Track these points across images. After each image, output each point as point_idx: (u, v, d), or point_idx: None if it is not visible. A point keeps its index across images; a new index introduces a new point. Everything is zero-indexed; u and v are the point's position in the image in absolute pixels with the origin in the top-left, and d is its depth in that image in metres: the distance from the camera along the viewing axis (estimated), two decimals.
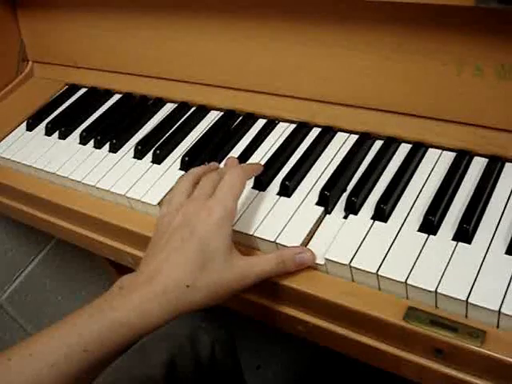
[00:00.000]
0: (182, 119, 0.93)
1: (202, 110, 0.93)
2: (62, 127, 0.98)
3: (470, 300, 0.54)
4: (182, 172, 0.81)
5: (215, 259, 0.59)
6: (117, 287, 0.60)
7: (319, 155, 0.78)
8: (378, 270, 0.59)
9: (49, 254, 1.42)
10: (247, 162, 0.80)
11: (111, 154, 0.90)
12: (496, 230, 0.60)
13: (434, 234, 0.62)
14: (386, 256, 0.61)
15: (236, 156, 0.80)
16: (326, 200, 0.69)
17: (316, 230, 0.67)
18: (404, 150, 0.74)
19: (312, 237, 0.66)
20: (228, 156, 0.82)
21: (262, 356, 1.51)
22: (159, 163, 0.85)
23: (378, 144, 0.76)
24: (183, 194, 0.66)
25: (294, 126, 0.84)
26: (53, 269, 1.43)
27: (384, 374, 0.68)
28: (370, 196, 0.69)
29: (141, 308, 0.57)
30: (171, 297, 0.58)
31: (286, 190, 0.73)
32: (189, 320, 0.94)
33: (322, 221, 0.68)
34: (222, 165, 0.75)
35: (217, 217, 0.60)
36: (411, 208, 0.66)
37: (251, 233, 0.68)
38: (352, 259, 0.61)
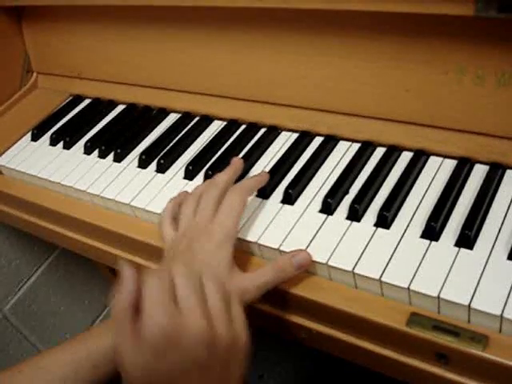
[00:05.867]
0: (186, 129, 0.94)
1: (205, 120, 0.94)
2: (66, 137, 0.99)
3: (472, 305, 0.54)
4: (186, 181, 0.82)
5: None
6: None
7: (322, 163, 0.79)
8: (380, 276, 0.60)
9: (52, 264, 1.42)
10: (251, 172, 0.81)
11: (115, 163, 0.91)
12: (497, 235, 0.61)
13: (437, 240, 0.62)
14: (388, 262, 0.61)
15: None
16: (329, 207, 0.70)
17: (319, 237, 0.67)
18: (405, 157, 0.75)
19: (315, 244, 0.66)
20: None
21: (264, 365, 1.51)
22: (163, 172, 0.86)
23: (380, 152, 0.77)
24: (189, 217, 0.67)
25: (296, 135, 0.85)
26: (56, 279, 1.44)
27: (386, 380, 0.68)
28: (373, 203, 0.70)
29: None
30: None
31: (290, 198, 0.73)
32: None
33: (325, 228, 0.68)
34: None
35: (216, 240, 0.63)
36: (413, 215, 0.66)
37: (255, 240, 0.69)
38: (355, 265, 0.62)
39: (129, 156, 0.92)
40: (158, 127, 0.97)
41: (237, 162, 0.74)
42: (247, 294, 0.62)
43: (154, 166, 0.87)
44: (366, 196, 0.70)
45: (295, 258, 0.64)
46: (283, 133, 0.87)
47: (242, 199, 0.67)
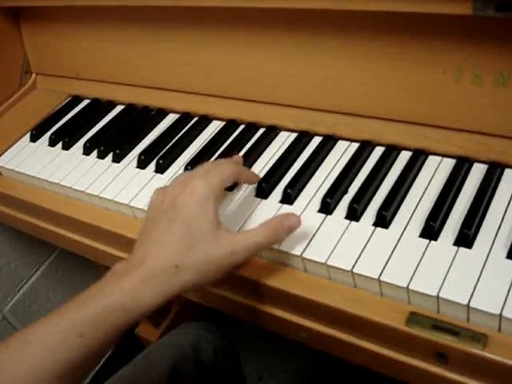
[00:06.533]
0: (185, 129, 0.93)
1: (204, 120, 0.94)
2: (65, 138, 0.99)
3: (471, 304, 0.54)
4: None
5: (202, 238, 0.60)
6: (110, 273, 0.61)
7: (321, 163, 0.79)
8: (380, 276, 0.60)
9: (51, 265, 1.42)
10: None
11: (114, 163, 0.91)
12: (496, 234, 0.61)
13: (435, 239, 0.62)
14: (387, 262, 0.61)
15: None
16: (328, 207, 0.70)
17: (318, 236, 0.67)
18: (404, 157, 0.75)
19: (314, 243, 0.66)
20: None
21: (264, 366, 1.51)
22: (162, 173, 0.86)
23: (379, 152, 0.77)
24: (176, 181, 0.66)
25: (295, 134, 0.85)
26: (56, 280, 1.44)
27: (386, 380, 0.68)
28: (372, 203, 0.70)
29: (132, 291, 0.58)
30: (161, 278, 0.59)
31: (289, 198, 0.73)
32: (192, 329, 0.95)
33: (324, 228, 0.68)
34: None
35: (199, 194, 0.61)
36: (412, 214, 0.66)
37: None
38: (354, 265, 0.62)
39: (128, 156, 0.92)
40: (157, 127, 0.97)
41: (237, 156, 0.75)
42: (235, 254, 0.61)
43: (152, 166, 0.87)
44: (364, 195, 0.70)
45: (287, 220, 0.63)
46: (282, 133, 0.87)
47: (233, 169, 0.66)
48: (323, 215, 0.70)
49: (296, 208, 0.72)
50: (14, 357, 0.56)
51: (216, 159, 0.85)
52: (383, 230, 0.65)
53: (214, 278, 0.61)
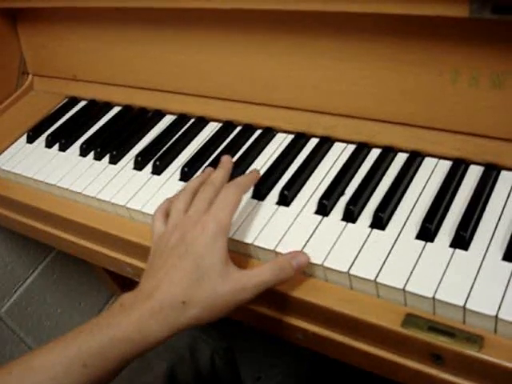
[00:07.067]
0: (181, 130, 0.93)
1: (201, 122, 0.94)
2: (62, 139, 0.99)
3: (467, 306, 0.54)
4: (182, 183, 0.82)
5: (210, 274, 0.60)
6: (117, 304, 0.61)
7: (317, 165, 0.79)
8: (376, 278, 0.60)
9: (48, 266, 1.42)
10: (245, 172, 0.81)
11: (111, 165, 0.91)
12: (492, 236, 0.61)
13: (432, 241, 0.62)
14: (384, 263, 0.61)
15: (234, 166, 0.81)
16: (325, 209, 0.70)
17: (315, 238, 0.67)
18: (401, 159, 0.75)
19: (311, 245, 0.66)
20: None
21: (262, 367, 1.51)
22: (159, 174, 0.85)
23: (375, 153, 0.77)
24: (180, 212, 0.66)
25: (291, 136, 0.85)
26: (52, 281, 1.44)
27: (382, 381, 0.68)
28: (368, 205, 0.70)
29: (139, 324, 0.58)
30: (168, 313, 0.59)
31: (285, 200, 0.73)
32: (188, 331, 0.95)
33: (320, 229, 0.68)
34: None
35: (211, 232, 0.61)
36: (409, 216, 0.67)
37: (251, 242, 0.69)
38: (350, 267, 0.62)
39: (124, 158, 0.92)
40: (154, 129, 0.97)
41: (226, 161, 0.73)
42: (243, 291, 0.61)
43: (149, 167, 0.87)
44: (361, 197, 0.70)
45: (295, 258, 0.64)
46: (279, 134, 0.87)
47: (237, 195, 0.66)
48: (320, 217, 0.70)
49: (292, 210, 0.72)
50: (17, 383, 0.56)
51: (213, 161, 0.85)
52: (380, 231, 0.65)
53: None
